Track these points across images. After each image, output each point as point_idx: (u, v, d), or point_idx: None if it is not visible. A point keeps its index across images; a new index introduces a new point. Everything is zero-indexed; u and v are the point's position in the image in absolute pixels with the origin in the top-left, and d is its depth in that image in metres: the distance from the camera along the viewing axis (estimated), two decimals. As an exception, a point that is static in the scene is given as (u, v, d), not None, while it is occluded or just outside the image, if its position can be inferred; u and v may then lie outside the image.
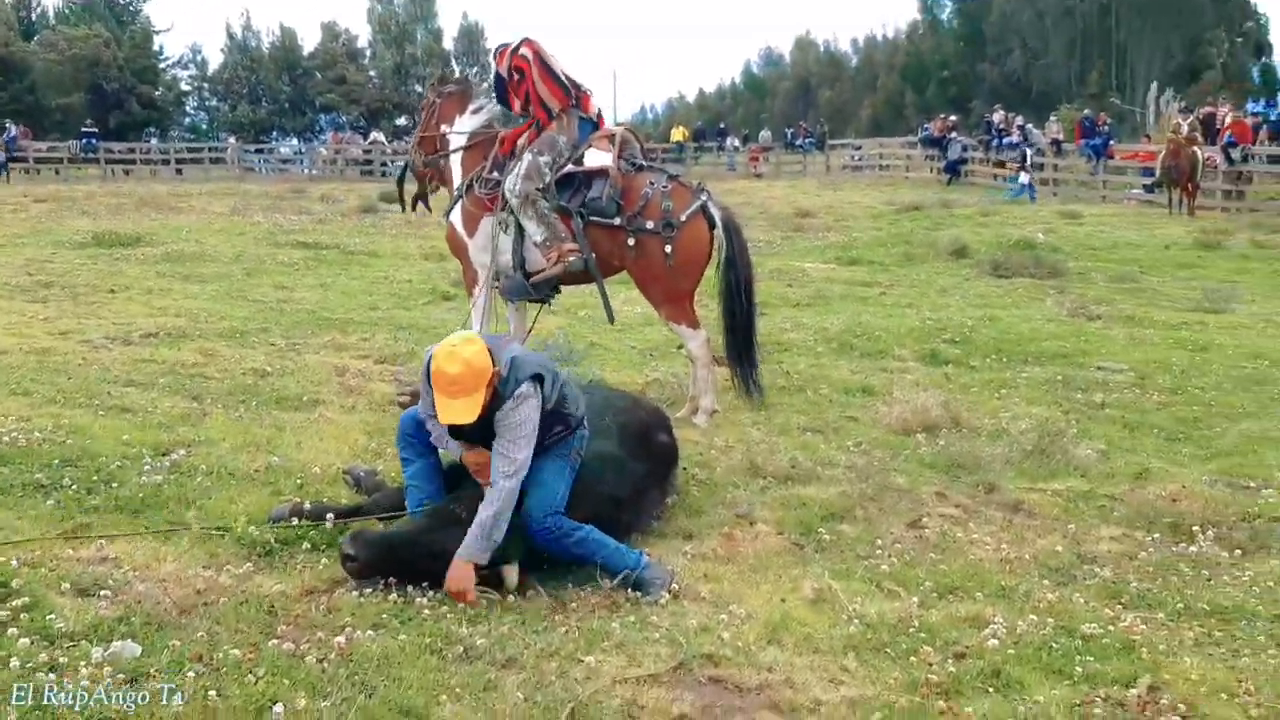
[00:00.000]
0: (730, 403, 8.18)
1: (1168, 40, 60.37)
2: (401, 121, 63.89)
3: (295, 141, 63.21)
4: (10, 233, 19.14)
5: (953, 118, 38.63)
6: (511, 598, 4.59)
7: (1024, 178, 28.11)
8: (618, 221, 7.53)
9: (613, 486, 5.18)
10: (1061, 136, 33.17)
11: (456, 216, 8.07)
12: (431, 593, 4.53)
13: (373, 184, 34.15)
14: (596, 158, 7.71)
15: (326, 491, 5.67)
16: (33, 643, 3.66)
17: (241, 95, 68.76)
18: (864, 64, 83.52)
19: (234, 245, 18.00)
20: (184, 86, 71.16)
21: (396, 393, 8.01)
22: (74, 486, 5.36)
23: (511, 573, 4.62)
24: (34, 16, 68.00)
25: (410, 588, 4.52)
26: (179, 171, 42.33)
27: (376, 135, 48.54)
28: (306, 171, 43.97)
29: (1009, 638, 4.33)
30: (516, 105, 7.96)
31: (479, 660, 4.00)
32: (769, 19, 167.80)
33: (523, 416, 4.69)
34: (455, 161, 8.23)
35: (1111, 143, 31.20)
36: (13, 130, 40.67)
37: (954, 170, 33.47)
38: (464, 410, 4.60)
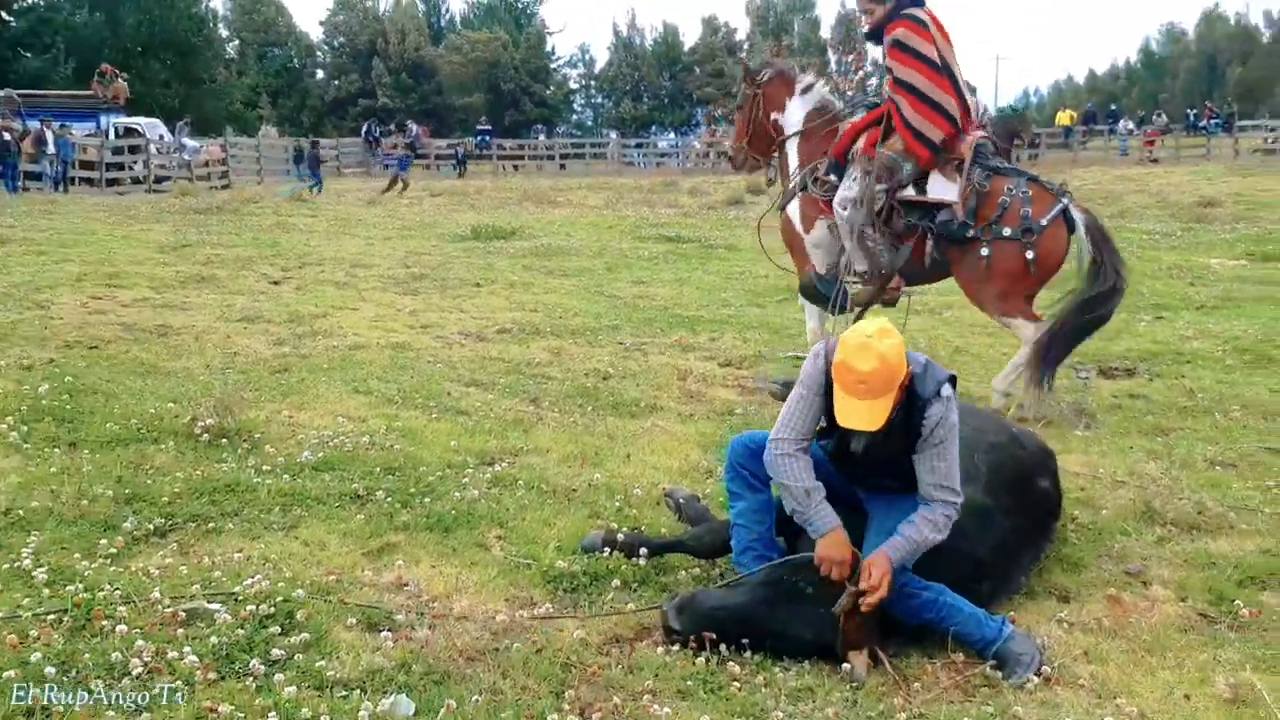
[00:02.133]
0: (1119, 425, 7.05)
1: None
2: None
3: (672, 135, 64.61)
4: (401, 225, 20.25)
5: (1394, 93, 33.78)
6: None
7: None
8: (971, 234, 7.03)
9: (973, 545, 4.30)
10: None
11: (794, 210, 7.69)
12: (748, 653, 3.89)
13: (742, 177, 33.93)
14: (941, 188, 7.09)
15: (646, 516, 5.16)
16: (299, 690, 3.32)
17: (625, 92, 71.52)
18: (1280, 37, 75.57)
19: (600, 239, 18.20)
20: (572, 85, 74.82)
21: (769, 381, 7.85)
22: (389, 499, 5.12)
23: (861, 661, 3.85)
24: (442, 21, 73.51)
25: (725, 648, 3.88)
26: (562, 166, 44.10)
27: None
28: (680, 165, 44.61)
29: None
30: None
31: (796, 751, 3.31)
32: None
33: (953, 427, 3.98)
34: (791, 148, 7.75)
35: None
36: (414, 129, 44.04)
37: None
38: (870, 415, 3.86)
